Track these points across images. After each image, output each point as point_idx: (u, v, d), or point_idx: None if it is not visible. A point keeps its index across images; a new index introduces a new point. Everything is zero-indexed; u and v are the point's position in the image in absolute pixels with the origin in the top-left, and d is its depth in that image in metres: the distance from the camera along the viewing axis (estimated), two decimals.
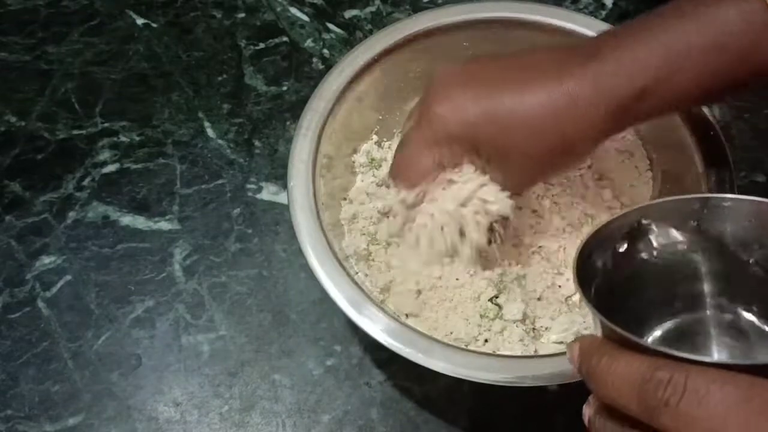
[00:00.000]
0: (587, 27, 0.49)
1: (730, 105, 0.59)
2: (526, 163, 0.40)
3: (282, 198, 0.56)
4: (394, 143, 0.52)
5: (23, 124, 0.60)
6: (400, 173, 0.43)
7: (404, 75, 0.51)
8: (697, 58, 0.36)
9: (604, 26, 0.49)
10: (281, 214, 0.55)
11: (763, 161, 0.56)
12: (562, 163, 0.42)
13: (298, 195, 0.44)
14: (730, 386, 0.23)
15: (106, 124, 0.60)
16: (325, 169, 0.46)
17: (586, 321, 0.45)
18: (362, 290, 0.41)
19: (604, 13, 0.65)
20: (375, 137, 0.52)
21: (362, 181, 0.50)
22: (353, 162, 0.50)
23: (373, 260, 0.48)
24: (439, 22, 0.50)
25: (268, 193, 0.56)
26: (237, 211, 0.55)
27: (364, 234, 0.48)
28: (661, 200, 0.33)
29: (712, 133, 0.45)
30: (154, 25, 0.65)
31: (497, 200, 0.41)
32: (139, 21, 0.65)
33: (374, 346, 0.48)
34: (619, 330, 0.27)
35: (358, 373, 0.49)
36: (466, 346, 0.43)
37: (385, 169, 0.50)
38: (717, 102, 0.37)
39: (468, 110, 0.39)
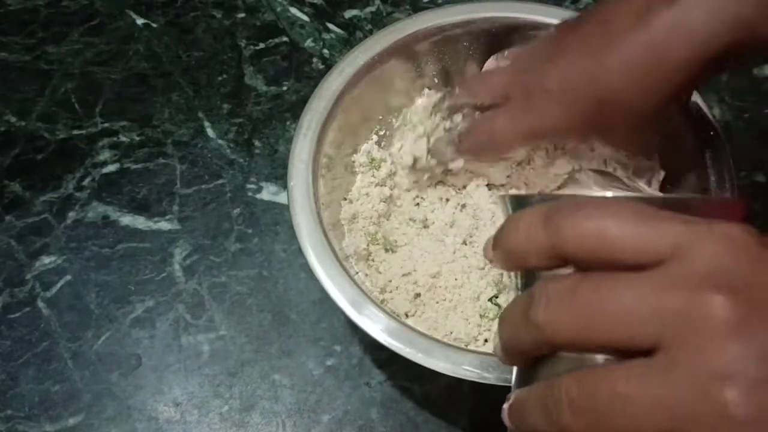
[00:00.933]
0: None
1: (730, 105, 0.59)
2: (633, 127, 0.39)
3: (282, 198, 0.56)
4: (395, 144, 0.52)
5: (23, 124, 0.60)
6: (479, 147, 0.44)
7: (405, 75, 0.51)
8: None
9: None
10: (281, 214, 0.55)
11: (763, 161, 0.56)
12: (665, 115, 0.39)
13: (298, 195, 0.44)
14: (619, 201, 0.25)
15: (106, 124, 0.60)
16: (325, 169, 0.46)
17: None
18: (362, 290, 0.41)
19: None
20: (375, 137, 0.52)
21: (362, 181, 0.50)
22: (353, 162, 0.50)
23: (372, 260, 0.48)
24: (439, 22, 0.50)
25: (268, 193, 0.56)
26: (237, 211, 0.55)
27: (364, 234, 0.48)
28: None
29: (712, 133, 0.45)
30: (154, 25, 0.65)
31: None
32: (139, 21, 0.65)
33: (374, 346, 0.48)
34: (525, 194, 0.28)
35: (358, 373, 0.49)
36: (466, 346, 0.43)
37: (385, 169, 0.50)
38: None
39: (570, 105, 0.38)
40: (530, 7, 0.50)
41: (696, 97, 0.46)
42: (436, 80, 0.52)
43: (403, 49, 0.50)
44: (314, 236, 0.42)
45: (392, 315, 0.40)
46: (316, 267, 0.41)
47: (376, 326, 0.39)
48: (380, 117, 0.52)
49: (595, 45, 0.38)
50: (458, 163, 0.46)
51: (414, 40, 0.50)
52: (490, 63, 0.48)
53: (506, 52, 0.47)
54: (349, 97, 0.48)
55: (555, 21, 0.49)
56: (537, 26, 0.50)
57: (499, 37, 0.50)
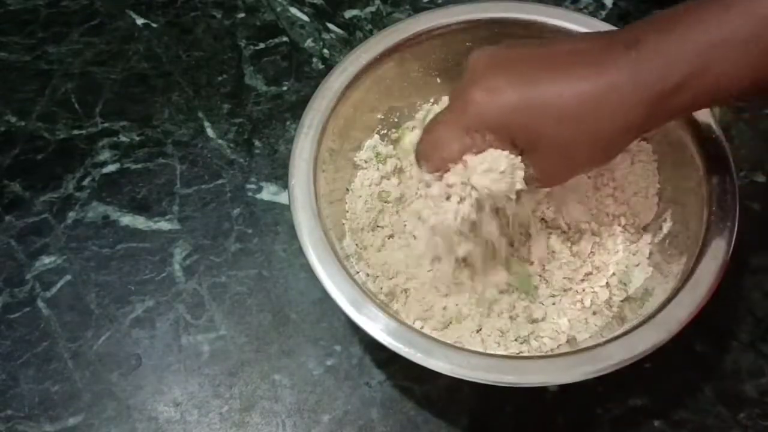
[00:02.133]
0: (588, 27, 0.49)
1: (730, 105, 0.59)
2: (560, 154, 0.39)
3: (282, 198, 0.56)
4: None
5: (23, 124, 0.60)
6: (427, 155, 0.42)
7: (406, 74, 0.51)
8: (735, 51, 0.35)
9: (606, 26, 0.49)
10: (281, 214, 0.55)
11: (763, 161, 0.56)
12: (594, 157, 0.40)
13: (299, 193, 0.44)
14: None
15: (106, 124, 0.60)
16: (326, 165, 0.46)
17: (588, 322, 0.45)
18: (362, 289, 0.41)
19: (604, 13, 0.65)
20: (377, 136, 0.52)
21: (363, 181, 0.50)
22: (355, 160, 0.51)
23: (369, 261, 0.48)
24: (441, 22, 0.50)
25: (268, 193, 0.56)
26: (237, 211, 0.55)
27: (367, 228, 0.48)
28: None
29: (713, 135, 0.45)
30: (154, 25, 0.65)
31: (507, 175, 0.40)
32: (139, 21, 0.65)
33: (374, 346, 0.48)
34: None
35: (358, 373, 0.48)
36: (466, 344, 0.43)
37: (391, 164, 0.50)
38: (758, 96, 0.37)
39: (504, 97, 0.39)
40: (532, 7, 0.50)
41: None
42: (438, 80, 0.52)
43: (406, 49, 0.50)
44: (315, 235, 0.42)
45: (392, 314, 0.40)
46: (316, 266, 0.41)
47: (375, 325, 0.39)
48: (381, 117, 0.52)
49: (549, 71, 0.39)
50: (426, 177, 0.43)
51: (416, 40, 0.50)
52: None
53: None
54: (351, 97, 0.48)
55: (557, 21, 0.49)
56: (539, 26, 0.50)
57: (501, 37, 0.50)
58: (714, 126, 0.45)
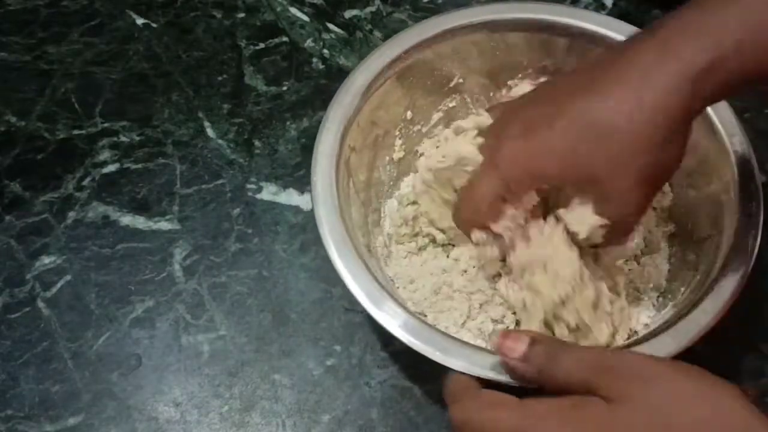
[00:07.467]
0: (613, 30, 0.48)
1: (730, 104, 0.59)
2: (620, 174, 0.35)
3: (282, 198, 0.56)
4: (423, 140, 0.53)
5: (23, 124, 0.60)
6: (467, 222, 0.42)
7: (431, 73, 0.51)
8: None
9: (622, 25, 0.49)
10: (281, 214, 0.55)
11: (764, 161, 0.56)
12: (659, 158, 0.35)
13: (320, 189, 0.43)
14: None
15: (106, 124, 0.60)
16: (350, 161, 0.46)
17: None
18: (381, 285, 0.40)
19: (603, 13, 0.65)
20: (398, 132, 0.51)
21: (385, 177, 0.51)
22: (377, 161, 0.50)
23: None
24: (468, 21, 0.50)
25: (268, 193, 0.56)
26: (237, 211, 0.55)
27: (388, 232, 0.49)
28: None
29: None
30: (154, 25, 0.65)
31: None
32: (139, 21, 0.65)
33: (374, 346, 0.48)
34: None
35: (358, 373, 0.48)
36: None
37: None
38: None
39: (536, 135, 0.36)
40: (558, 8, 0.50)
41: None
42: (461, 80, 0.52)
43: (431, 47, 0.49)
44: (336, 229, 0.42)
45: (411, 312, 0.40)
46: (337, 262, 0.41)
47: (394, 322, 0.39)
48: (406, 115, 0.51)
49: (575, 97, 0.36)
50: (477, 236, 0.42)
51: (441, 39, 0.49)
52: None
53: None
54: (375, 93, 0.48)
55: (589, 25, 0.49)
56: (564, 28, 0.49)
57: (525, 38, 0.50)
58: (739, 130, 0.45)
